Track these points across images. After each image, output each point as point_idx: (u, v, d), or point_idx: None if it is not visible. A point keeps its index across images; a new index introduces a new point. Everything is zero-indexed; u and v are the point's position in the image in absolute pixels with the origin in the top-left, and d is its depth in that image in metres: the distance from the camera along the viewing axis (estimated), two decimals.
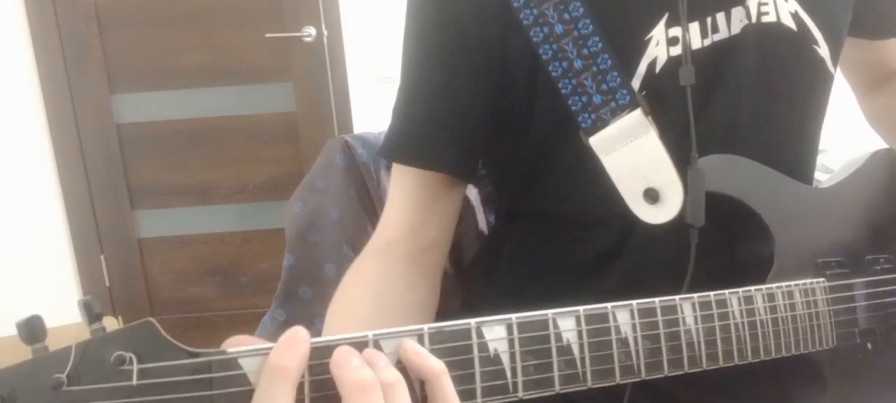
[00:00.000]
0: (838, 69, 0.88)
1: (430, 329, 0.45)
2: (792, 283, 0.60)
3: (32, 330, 0.39)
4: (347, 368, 0.41)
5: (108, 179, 2.48)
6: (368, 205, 0.95)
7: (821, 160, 0.75)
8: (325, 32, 2.38)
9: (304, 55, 2.40)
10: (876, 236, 0.68)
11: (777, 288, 0.59)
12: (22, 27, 2.32)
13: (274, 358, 0.40)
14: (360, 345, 0.43)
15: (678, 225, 0.61)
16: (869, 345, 0.65)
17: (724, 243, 0.66)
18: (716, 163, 0.62)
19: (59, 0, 2.32)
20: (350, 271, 0.71)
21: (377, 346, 0.44)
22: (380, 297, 0.67)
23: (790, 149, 0.69)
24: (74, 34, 2.35)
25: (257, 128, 2.48)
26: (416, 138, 0.70)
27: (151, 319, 0.41)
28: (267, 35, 2.37)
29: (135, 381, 0.39)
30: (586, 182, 0.66)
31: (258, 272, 2.50)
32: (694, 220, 0.60)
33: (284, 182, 2.46)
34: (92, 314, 0.40)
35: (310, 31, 2.36)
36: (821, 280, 0.63)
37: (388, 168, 0.96)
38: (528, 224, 0.75)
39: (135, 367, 0.39)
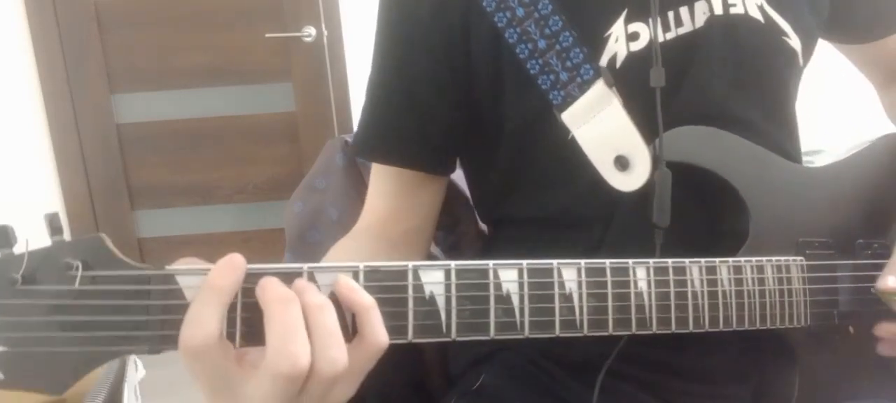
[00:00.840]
0: (858, 69, 0.88)
1: (365, 266, 0.48)
2: (764, 259, 0.60)
3: (2, 236, 0.45)
4: (268, 290, 0.44)
5: (108, 179, 2.48)
6: None
7: (818, 161, 0.75)
8: (325, 32, 2.38)
9: (304, 55, 2.41)
10: (872, 220, 0.67)
11: (745, 261, 0.59)
12: (22, 27, 2.32)
13: (211, 278, 0.44)
14: (294, 275, 0.46)
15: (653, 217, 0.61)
16: (851, 329, 0.65)
17: (703, 218, 0.66)
18: (689, 135, 0.62)
19: (59, 0, 2.32)
20: (333, 248, 0.72)
21: (312, 279, 0.46)
22: None
23: (766, 138, 0.69)
24: (74, 34, 2.36)
25: (257, 128, 2.48)
26: (380, 135, 0.71)
27: (102, 234, 0.46)
28: (267, 35, 2.37)
29: (77, 286, 0.44)
30: (565, 181, 0.67)
31: None
32: (660, 221, 0.60)
33: (284, 182, 2.47)
34: (54, 227, 0.45)
35: (310, 31, 2.37)
36: (799, 258, 0.62)
37: None
38: (512, 230, 0.75)
39: (79, 273, 0.44)
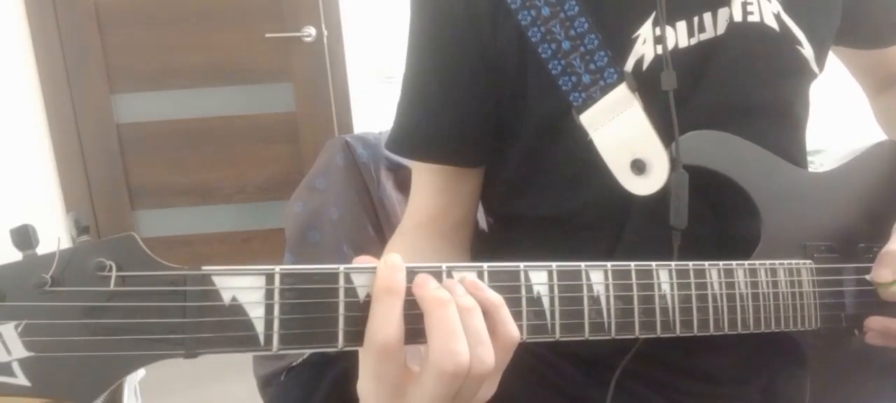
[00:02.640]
0: (851, 74, 0.89)
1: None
2: (777, 262, 0.61)
3: (24, 236, 0.42)
4: (427, 287, 0.46)
5: (108, 179, 2.49)
6: (368, 205, 0.95)
7: (820, 160, 0.75)
8: (325, 32, 2.38)
9: (304, 55, 2.41)
10: (871, 224, 0.68)
11: (760, 264, 0.60)
12: (22, 27, 2.32)
13: (386, 282, 0.45)
14: (436, 273, 0.48)
15: (667, 220, 0.62)
16: (856, 332, 0.66)
17: (714, 222, 0.66)
18: (705, 139, 0.63)
19: (59, 0, 2.32)
20: (390, 246, 0.73)
21: (448, 274, 0.48)
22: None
23: (775, 143, 0.69)
24: (74, 34, 2.36)
25: (257, 128, 2.48)
26: (416, 133, 0.71)
27: (133, 233, 0.44)
28: (267, 35, 2.37)
29: (112, 287, 0.42)
30: (580, 183, 0.67)
31: None
32: (677, 223, 0.61)
33: (284, 182, 2.47)
34: (79, 227, 0.44)
35: (310, 31, 2.37)
36: (808, 262, 0.63)
37: (389, 168, 0.96)
38: (522, 227, 0.75)
39: (113, 274, 0.42)
